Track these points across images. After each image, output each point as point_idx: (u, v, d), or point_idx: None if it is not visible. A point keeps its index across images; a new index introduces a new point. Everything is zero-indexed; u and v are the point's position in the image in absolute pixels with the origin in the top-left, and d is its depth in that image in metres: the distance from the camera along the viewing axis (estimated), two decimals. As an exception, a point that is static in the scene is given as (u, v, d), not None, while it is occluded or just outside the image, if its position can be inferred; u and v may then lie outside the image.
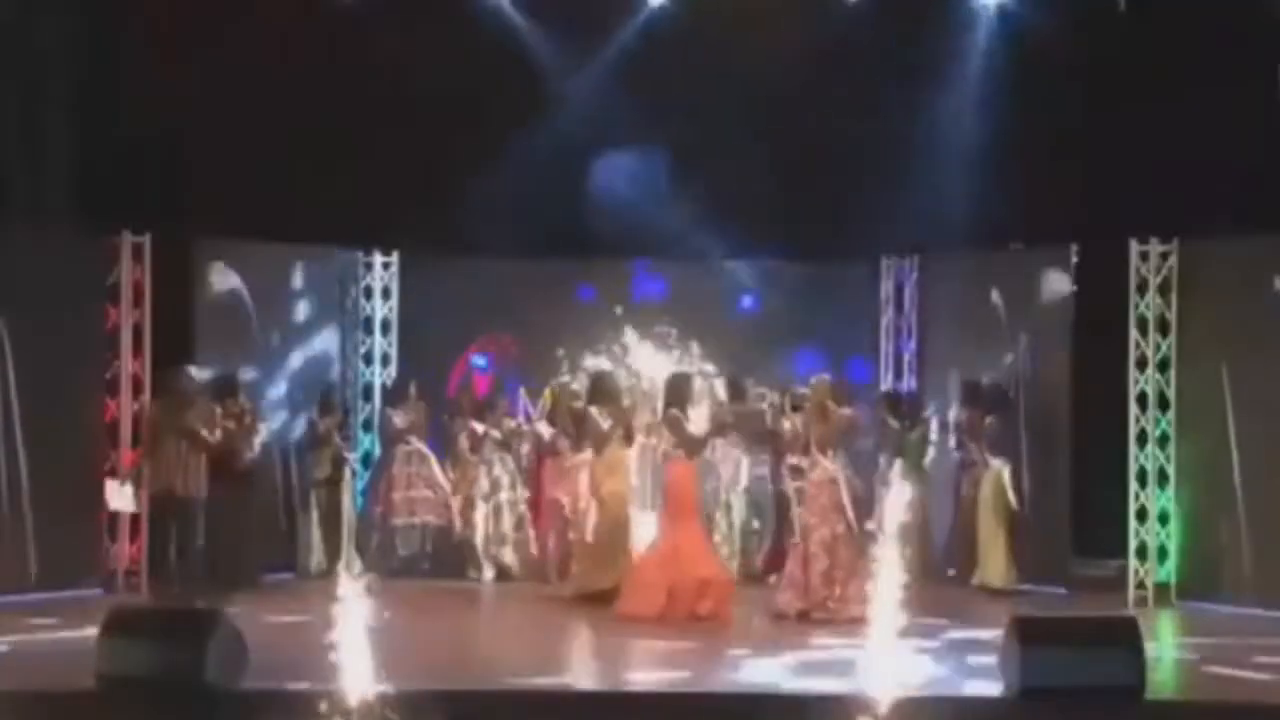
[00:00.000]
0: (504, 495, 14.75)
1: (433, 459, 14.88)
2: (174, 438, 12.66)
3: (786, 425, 13.69)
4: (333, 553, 14.49)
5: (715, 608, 12.41)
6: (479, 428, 14.79)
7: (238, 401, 13.73)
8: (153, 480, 12.80)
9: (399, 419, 14.87)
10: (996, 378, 14.57)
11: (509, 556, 14.69)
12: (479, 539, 14.68)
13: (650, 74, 15.16)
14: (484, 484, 14.71)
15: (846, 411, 12.89)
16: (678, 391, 13.10)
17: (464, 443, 14.81)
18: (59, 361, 13.30)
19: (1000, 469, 14.08)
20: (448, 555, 14.83)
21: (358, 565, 14.44)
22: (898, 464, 14.50)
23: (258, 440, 13.89)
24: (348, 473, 14.74)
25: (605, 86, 15.31)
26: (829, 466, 12.60)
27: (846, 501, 12.54)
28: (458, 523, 14.73)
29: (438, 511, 14.79)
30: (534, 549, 14.63)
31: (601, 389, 13.68)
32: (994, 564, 14.04)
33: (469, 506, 14.72)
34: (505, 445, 14.85)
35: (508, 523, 14.72)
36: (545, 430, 14.59)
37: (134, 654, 8.70)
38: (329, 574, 14.11)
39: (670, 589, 12.37)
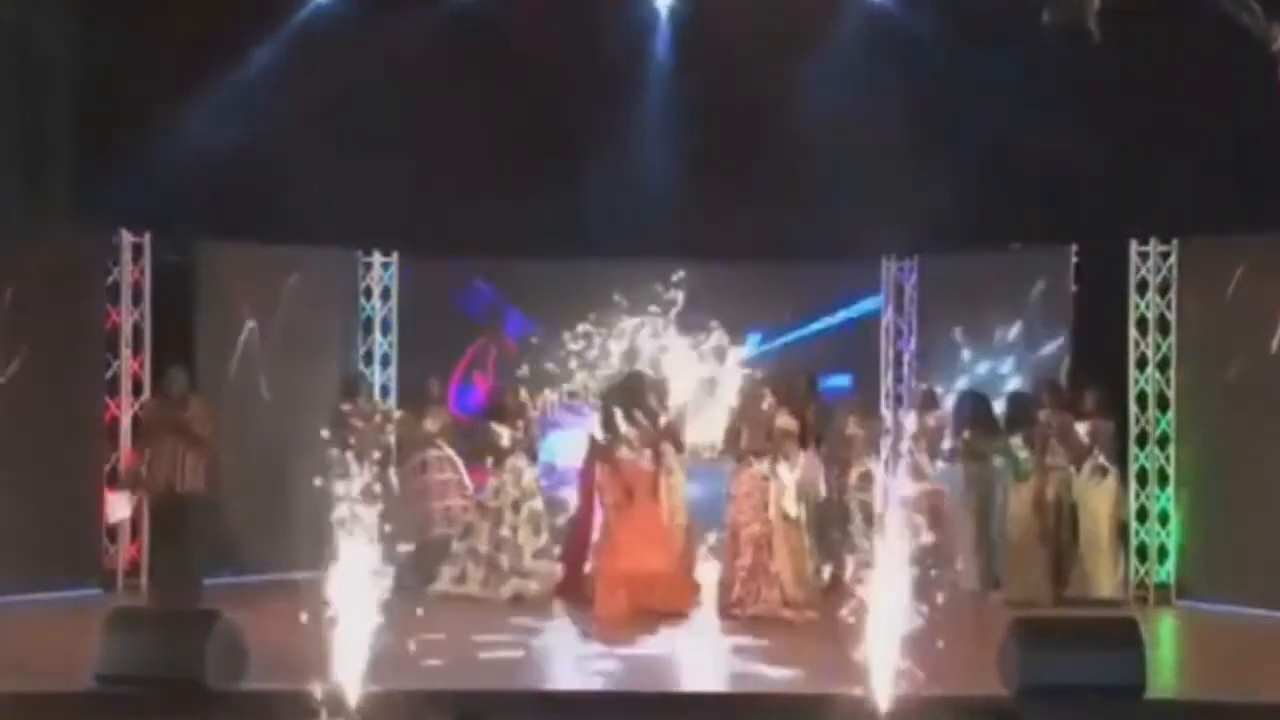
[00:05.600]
0: (536, 502, 13.50)
1: (460, 465, 13.96)
2: (170, 437, 12.63)
3: (860, 433, 13.68)
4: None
5: (671, 601, 12.40)
6: (502, 431, 13.55)
7: (367, 401, 13.77)
8: (150, 480, 12.80)
9: (429, 423, 14.02)
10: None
11: (539, 573, 13.37)
12: (506, 554, 13.30)
13: (653, 72, 15.17)
14: (511, 492, 13.39)
15: (780, 418, 12.85)
16: (632, 391, 13.16)
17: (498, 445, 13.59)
18: (59, 361, 13.29)
19: (1115, 475, 13.49)
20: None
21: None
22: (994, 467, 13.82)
23: (380, 442, 13.78)
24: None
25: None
26: (761, 467, 12.61)
27: (771, 501, 12.55)
28: (481, 534, 13.39)
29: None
30: (558, 562, 13.48)
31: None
32: (1107, 573, 13.37)
33: (496, 519, 13.37)
34: (529, 449, 13.60)
35: (545, 533, 13.46)
36: (599, 433, 13.29)
37: (134, 654, 8.71)
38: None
39: (628, 584, 12.39)
